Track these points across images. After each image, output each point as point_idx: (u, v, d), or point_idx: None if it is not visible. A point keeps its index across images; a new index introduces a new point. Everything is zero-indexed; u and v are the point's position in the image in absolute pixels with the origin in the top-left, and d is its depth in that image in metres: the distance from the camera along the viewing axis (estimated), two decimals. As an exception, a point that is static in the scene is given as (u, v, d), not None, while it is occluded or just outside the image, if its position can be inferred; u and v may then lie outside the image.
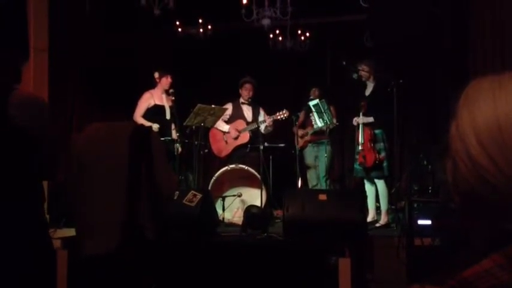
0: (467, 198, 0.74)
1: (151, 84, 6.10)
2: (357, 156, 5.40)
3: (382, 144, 5.37)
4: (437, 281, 0.69)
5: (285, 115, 6.10)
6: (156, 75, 6.07)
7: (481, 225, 0.74)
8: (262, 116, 6.39)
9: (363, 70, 5.46)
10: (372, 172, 5.36)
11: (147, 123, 5.85)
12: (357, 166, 5.46)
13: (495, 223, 0.71)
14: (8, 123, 1.91)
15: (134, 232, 2.29)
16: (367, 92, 5.52)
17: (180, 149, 6.01)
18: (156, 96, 6.00)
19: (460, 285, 0.68)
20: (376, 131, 5.37)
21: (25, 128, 1.94)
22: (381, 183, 5.38)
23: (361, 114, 5.37)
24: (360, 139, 5.33)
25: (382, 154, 5.32)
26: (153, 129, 5.81)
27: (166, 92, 6.04)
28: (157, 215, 2.39)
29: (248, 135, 6.29)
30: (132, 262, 2.31)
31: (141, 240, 2.31)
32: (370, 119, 5.36)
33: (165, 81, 6.03)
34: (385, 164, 5.33)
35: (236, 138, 6.31)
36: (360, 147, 5.34)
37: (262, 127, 6.21)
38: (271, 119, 6.14)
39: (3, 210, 1.93)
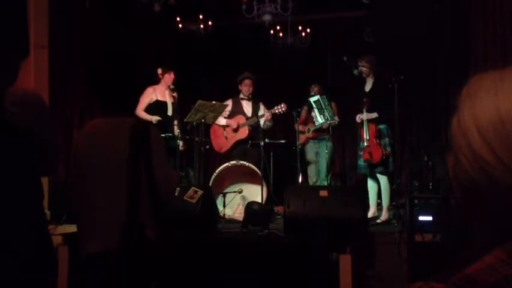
0: (469, 193, 0.74)
1: (152, 81, 6.09)
2: (361, 153, 5.37)
3: (387, 139, 5.35)
4: (440, 278, 0.69)
5: (283, 109, 6.12)
6: (160, 71, 6.07)
7: (482, 220, 0.74)
8: (262, 110, 6.40)
9: (364, 66, 5.44)
10: (377, 168, 5.34)
11: (148, 117, 5.85)
12: (361, 163, 5.43)
13: (496, 218, 0.71)
14: (5, 119, 1.90)
15: (135, 230, 2.27)
16: (367, 88, 5.50)
17: (182, 146, 6.02)
18: (158, 92, 6.00)
19: (463, 282, 0.67)
20: (381, 127, 5.35)
21: (23, 123, 1.93)
22: (384, 179, 5.36)
23: (364, 110, 5.35)
24: (365, 135, 5.29)
25: (388, 149, 5.31)
26: (154, 121, 5.81)
27: (169, 88, 6.04)
28: (158, 213, 2.36)
29: (247, 130, 6.29)
30: (133, 260, 2.30)
31: (141, 238, 2.30)
32: (374, 115, 5.33)
33: (168, 78, 6.03)
34: (390, 160, 5.32)
35: (236, 130, 6.31)
36: (365, 144, 5.30)
37: (261, 121, 6.22)
38: (270, 113, 6.18)
39: (1, 207, 1.92)
